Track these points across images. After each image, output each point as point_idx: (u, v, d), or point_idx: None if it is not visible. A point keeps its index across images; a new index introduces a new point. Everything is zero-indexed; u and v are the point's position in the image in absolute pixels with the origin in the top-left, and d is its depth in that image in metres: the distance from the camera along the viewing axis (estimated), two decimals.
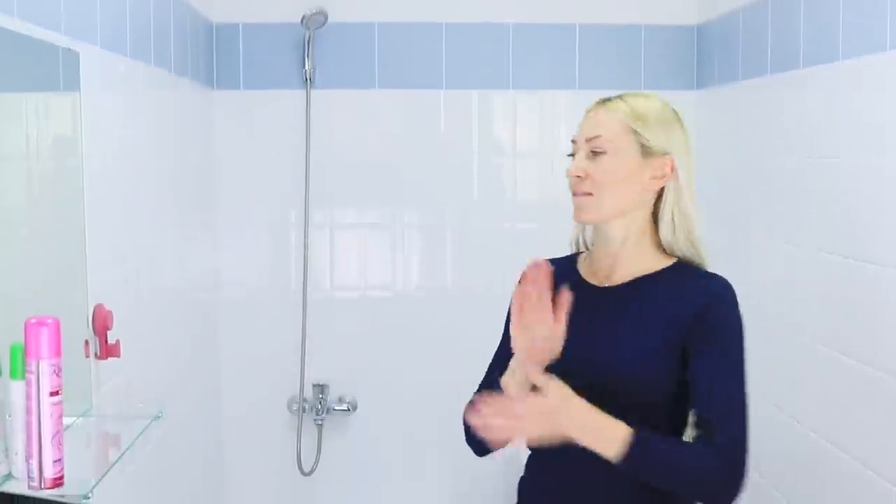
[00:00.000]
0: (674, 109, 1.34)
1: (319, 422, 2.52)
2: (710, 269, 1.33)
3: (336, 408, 2.55)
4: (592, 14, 2.54)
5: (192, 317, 2.27)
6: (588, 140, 1.30)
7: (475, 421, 1.16)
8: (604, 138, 1.28)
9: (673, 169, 1.29)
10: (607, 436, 1.14)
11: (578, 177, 1.29)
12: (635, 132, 1.28)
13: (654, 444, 1.17)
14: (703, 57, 2.48)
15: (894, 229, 1.48)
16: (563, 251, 1.44)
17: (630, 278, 1.31)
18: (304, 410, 2.50)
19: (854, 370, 1.59)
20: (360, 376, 2.57)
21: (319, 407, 2.52)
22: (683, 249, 1.31)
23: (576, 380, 1.17)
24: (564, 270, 1.33)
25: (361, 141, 2.57)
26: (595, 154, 1.28)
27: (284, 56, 2.52)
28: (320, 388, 2.54)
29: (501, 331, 1.36)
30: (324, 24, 2.39)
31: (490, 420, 1.15)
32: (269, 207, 2.59)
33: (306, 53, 2.46)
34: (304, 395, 2.51)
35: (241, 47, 2.51)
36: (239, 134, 2.54)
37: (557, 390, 1.15)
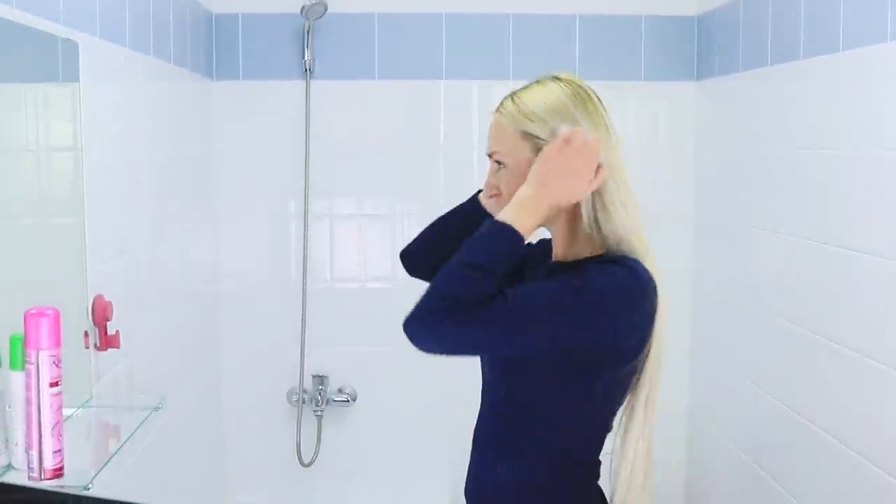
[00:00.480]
0: (582, 92, 1.22)
1: (319, 413, 2.53)
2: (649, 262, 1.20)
3: (335, 399, 2.55)
4: (592, 5, 2.53)
5: (192, 308, 2.27)
6: (490, 155, 1.26)
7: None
8: (500, 153, 1.23)
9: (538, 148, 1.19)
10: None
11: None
12: (527, 134, 1.20)
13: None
14: (703, 48, 2.47)
15: (894, 221, 1.48)
16: None
17: (573, 259, 1.24)
18: (303, 402, 2.51)
19: (855, 362, 1.59)
20: (359, 367, 2.57)
21: (319, 398, 2.52)
22: (611, 244, 1.20)
23: None
24: (547, 247, 1.33)
25: (362, 132, 2.57)
26: (499, 165, 1.24)
27: (284, 46, 2.51)
28: (320, 379, 2.55)
29: None
30: (323, 14, 2.38)
31: None
32: (269, 198, 2.58)
33: (306, 44, 2.45)
34: (304, 386, 2.51)
35: (240, 38, 2.50)
36: (238, 125, 2.53)
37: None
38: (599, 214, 1.19)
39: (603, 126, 1.21)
